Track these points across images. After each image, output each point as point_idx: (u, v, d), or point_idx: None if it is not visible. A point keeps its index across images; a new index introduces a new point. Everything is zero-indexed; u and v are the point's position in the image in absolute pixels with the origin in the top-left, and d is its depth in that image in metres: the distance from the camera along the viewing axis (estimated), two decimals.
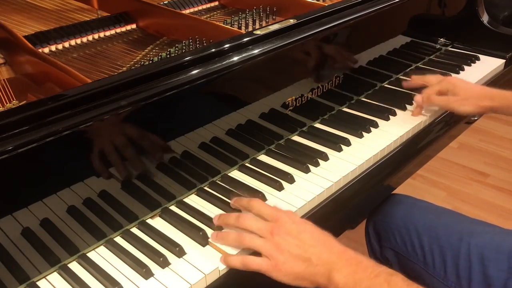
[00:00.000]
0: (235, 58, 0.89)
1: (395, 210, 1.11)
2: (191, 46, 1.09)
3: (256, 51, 0.91)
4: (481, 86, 1.20)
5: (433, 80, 1.15)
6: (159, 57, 1.05)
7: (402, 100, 1.17)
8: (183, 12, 1.27)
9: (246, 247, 0.76)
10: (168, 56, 1.05)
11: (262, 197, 0.87)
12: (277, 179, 0.91)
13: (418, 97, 1.12)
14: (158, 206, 0.86)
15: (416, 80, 1.20)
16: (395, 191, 1.16)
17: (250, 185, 0.91)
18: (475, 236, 1.00)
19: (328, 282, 0.70)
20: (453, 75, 1.33)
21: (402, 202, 1.13)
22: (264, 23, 1.23)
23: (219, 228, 0.81)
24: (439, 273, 1.00)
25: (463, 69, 1.37)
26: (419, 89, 1.17)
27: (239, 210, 0.83)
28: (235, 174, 0.96)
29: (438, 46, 1.46)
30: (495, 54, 1.44)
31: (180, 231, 0.82)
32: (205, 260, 0.76)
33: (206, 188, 0.92)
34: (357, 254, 0.71)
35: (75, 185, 0.74)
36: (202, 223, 0.83)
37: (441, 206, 1.12)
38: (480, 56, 1.44)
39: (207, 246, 0.79)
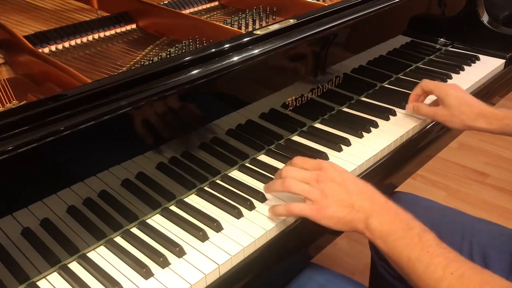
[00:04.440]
0: (235, 58, 0.89)
1: None
2: (191, 46, 1.09)
3: (256, 51, 0.91)
4: (475, 102, 1.04)
5: (430, 84, 1.09)
6: (159, 57, 1.05)
7: (402, 100, 1.17)
8: (183, 12, 1.27)
9: (292, 192, 0.79)
10: (168, 56, 1.05)
11: (262, 197, 0.87)
12: None
13: (409, 105, 1.10)
14: (158, 206, 0.86)
15: (416, 91, 1.12)
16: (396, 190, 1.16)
17: (250, 185, 0.91)
18: (477, 234, 1.00)
19: (365, 228, 0.73)
20: (453, 75, 1.34)
21: (404, 200, 1.13)
22: (264, 23, 1.23)
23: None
24: None
25: (463, 69, 1.37)
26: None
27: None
28: (235, 174, 0.96)
29: (438, 46, 1.46)
30: (495, 54, 1.43)
31: (180, 231, 0.82)
32: (205, 260, 0.76)
33: (206, 188, 0.92)
34: (397, 207, 0.75)
35: (75, 185, 0.74)
36: (202, 223, 0.83)
37: (444, 204, 1.12)
38: (480, 56, 1.44)
39: (207, 246, 0.79)
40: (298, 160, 0.83)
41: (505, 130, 1.01)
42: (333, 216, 0.75)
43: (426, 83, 1.10)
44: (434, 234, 0.71)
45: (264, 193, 0.86)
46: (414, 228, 0.71)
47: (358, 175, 0.97)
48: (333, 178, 0.77)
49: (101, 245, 0.80)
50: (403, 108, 1.16)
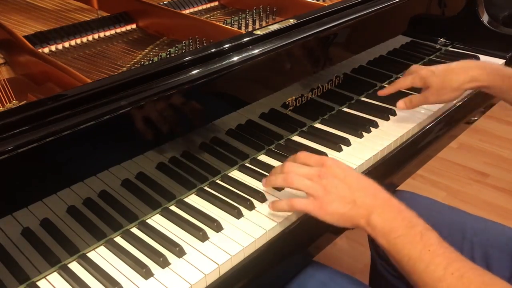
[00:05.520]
0: (235, 58, 0.89)
1: None
2: (191, 46, 1.09)
3: (256, 51, 0.91)
4: (453, 64, 1.06)
5: (406, 82, 1.10)
6: (159, 57, 1.05)
7: None
8: (183, 12, 1.27)
9: (294, 188, 0.79)
10: (168, 56, 1.05)
11: (262, 197, 0.87)
12: None
13: (400, 103, 1.08)
14: (158, 206, 0.86)
15: (389, 90, 1.13)
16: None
17: (250, 185, 0.91)
18: (478, 234, 0.99)
19: (367, 224, 0.72)
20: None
21: (405, 198, 1.12)
22: (264, 23, 1.23)
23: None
24: None
25: None
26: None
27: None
28: (235, 174, 0.96)
29: (438, 46, 1.46)
30: (495, 54, 1.43)
31: (180, 231, 0.82)
32: (205, 260, 0.76)
33: (206, 188, 0.92)
34: (400, 204, 0.74)
35: (75, 185, 0.74)
36: (202, 223, 0.83)
37: (444, 203, 1.12)
38: (480, 56, 1.44)
39: (207, 246, 0.79)
40: (302, 155, 0.82)
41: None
42: (335, 212, 0.74)
43: (403, 83, 1.10)
44: (436, 233, 0.70)
45: (263, 187, 0.86)
46: (417, 226, 0.70)
47: None
48: (336, 174, 0.76)
49: (101, 245, 0.80)
50: None
